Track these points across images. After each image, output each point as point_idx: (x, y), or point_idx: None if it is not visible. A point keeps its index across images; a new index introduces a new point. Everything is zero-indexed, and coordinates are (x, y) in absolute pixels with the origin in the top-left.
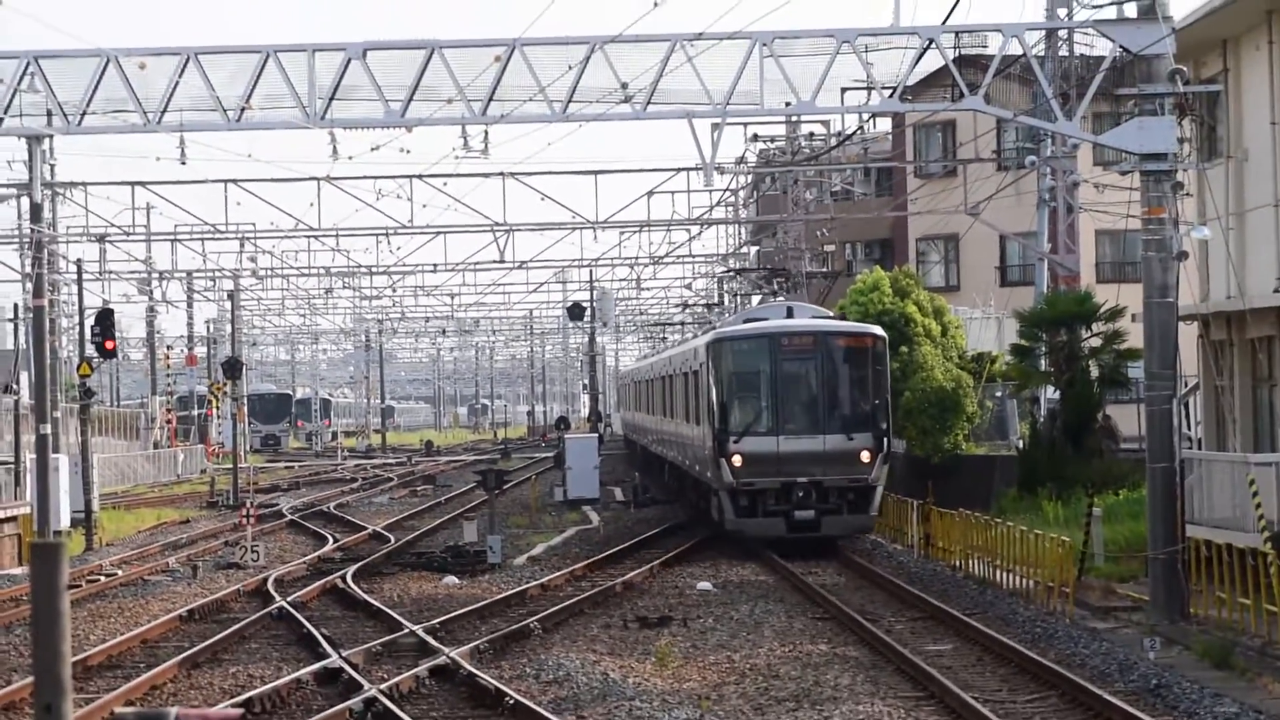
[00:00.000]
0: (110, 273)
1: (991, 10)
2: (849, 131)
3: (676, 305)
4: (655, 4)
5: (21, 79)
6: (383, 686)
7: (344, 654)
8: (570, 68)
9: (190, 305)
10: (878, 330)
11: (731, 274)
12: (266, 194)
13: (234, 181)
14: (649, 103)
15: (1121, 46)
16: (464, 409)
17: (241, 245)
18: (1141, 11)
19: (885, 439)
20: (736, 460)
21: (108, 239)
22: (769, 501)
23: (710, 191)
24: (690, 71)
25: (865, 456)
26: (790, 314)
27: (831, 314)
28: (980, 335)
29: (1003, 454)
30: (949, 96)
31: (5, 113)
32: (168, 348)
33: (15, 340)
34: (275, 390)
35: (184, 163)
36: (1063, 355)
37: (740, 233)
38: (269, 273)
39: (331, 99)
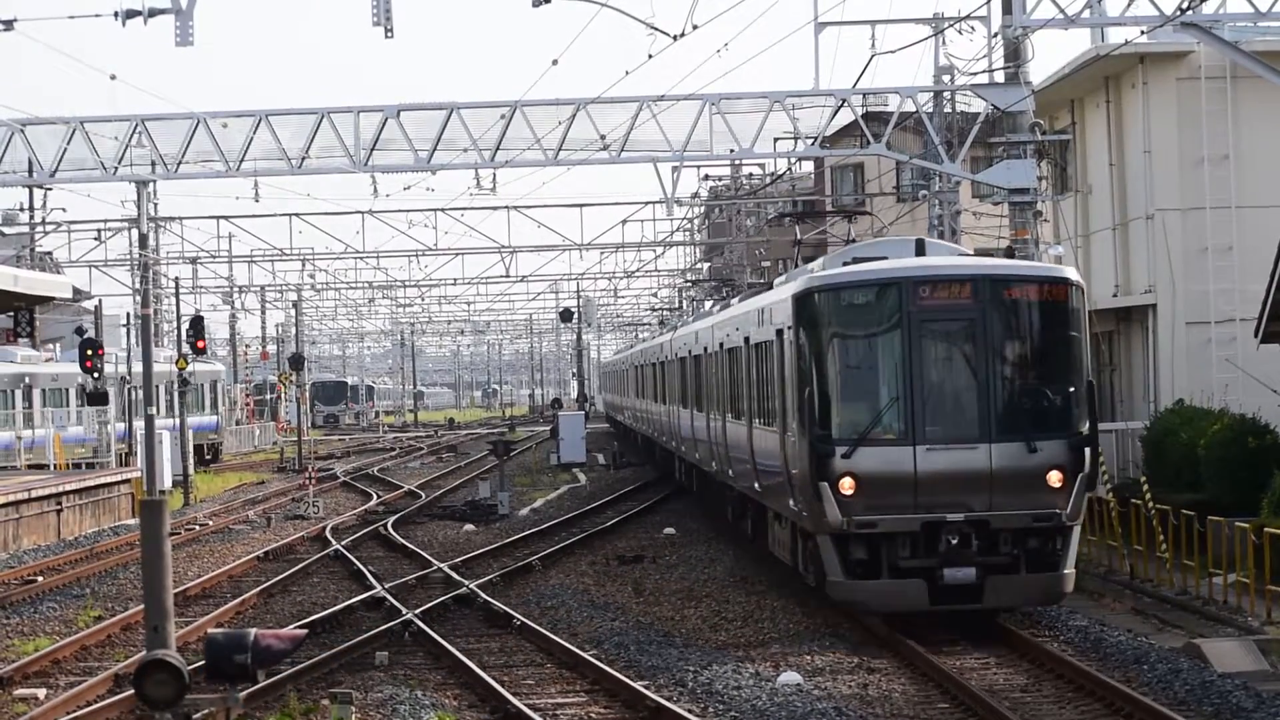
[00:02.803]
0: (200, 287)
1: (891, 75)
2: (780, 172)
3: (646, 309)
4: (626, 73)
5: (131, 136)
6: (417, 611)
7: (386, 586)
8: (560, 123)
9: (263, 313)
10: (1073, 274)
11: (689, 284)
12: (322, 224)
13: (296, 215)
14: (622, 150)
15: (993, 105)
16: (479, 392)
17: (303, 265)
18: (1007, 78)
19: (1088, 448)
20: (847, 485)
21: (198, 261)
22: (900, 552)
23: (671, 220)
24: (655, 126)
25: (1056, 478)
26: (921, 250)
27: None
28: None
29: None
30: (858, 144)
31: (119, 163)
32: (246, 346)
33: (128, 341)
34: (335, 378)
35: (257, 200)
36: None
37: (695, 252)
38: (325, 286)
39: (373, 149)
